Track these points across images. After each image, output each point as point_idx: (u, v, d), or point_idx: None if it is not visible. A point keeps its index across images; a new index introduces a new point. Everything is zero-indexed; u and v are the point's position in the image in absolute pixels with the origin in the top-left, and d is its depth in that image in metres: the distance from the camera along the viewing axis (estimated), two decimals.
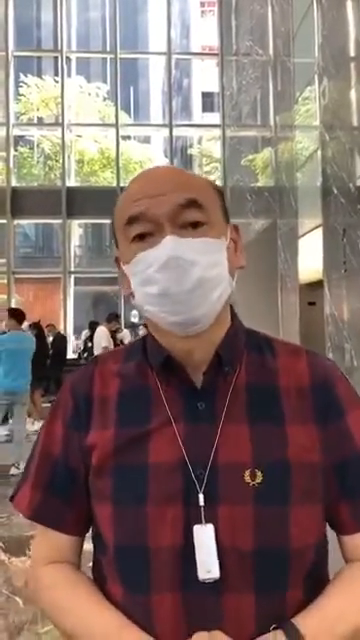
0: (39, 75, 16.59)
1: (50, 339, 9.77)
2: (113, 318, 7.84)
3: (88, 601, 0.77)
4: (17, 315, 5.80)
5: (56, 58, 14.74)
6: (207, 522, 0.72)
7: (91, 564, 0.84)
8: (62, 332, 11.76)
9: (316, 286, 6.21)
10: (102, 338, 7.48)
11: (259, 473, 0.73)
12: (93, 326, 9.21)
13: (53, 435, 0.82)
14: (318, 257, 6.06)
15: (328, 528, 0.80)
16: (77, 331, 13.42)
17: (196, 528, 0.71)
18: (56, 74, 14.97)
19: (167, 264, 0.70)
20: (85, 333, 10.89)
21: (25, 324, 9.33)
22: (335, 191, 5.57)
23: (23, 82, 15.72)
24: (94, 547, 0.82)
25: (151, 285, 0.72)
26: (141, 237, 0.74)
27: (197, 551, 0.71)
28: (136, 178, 0.80)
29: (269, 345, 0.84)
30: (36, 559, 0.85)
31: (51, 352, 9.22)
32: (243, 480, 0.73)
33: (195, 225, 0.74)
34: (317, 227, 6.17)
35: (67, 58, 14.50)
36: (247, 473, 0.73)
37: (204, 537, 0.71)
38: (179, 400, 0.78)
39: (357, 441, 0.78)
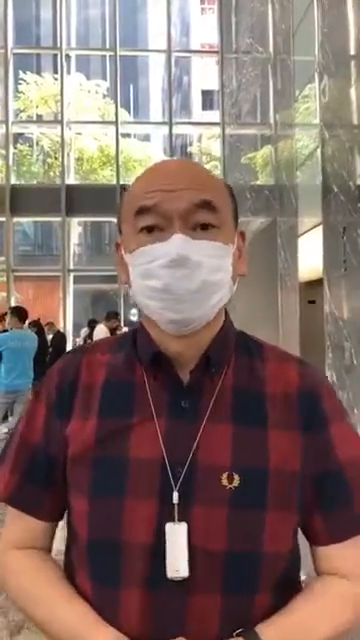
0: (38, 72, 16.56)
1: (49, 337, 9.77)
2: (112, 316, 7.84)
3: (57, 590, 0.77)
4: (19, 313, 5.77)
5: (55, 55, 14.70)
6: (180, 521, 0.72)
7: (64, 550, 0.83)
8: (61, 330, 11.76)
9: (316, 284, 6.21)
10: (101, 336, 7.48)
11: (237, 477, 0.73)
12: (92, 324, 9.21)
13: (35, 420, 0.82)
14: (318, 255, 6.06)
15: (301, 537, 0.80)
16: (76, 329, 13.41)
17: (169, 526, 0.72)
18: (55, 71, 14.93)
19: (173, 262, 0.70)
20: (84, 331, 10.88)
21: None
22: (335, 189, 5.57)
23: (22, 79, 15.69)
24: (67, 534, 0.82)
25: (154, 279, 0.72)
26: (149, 229, 0.73)
27: (168, 549, 0.71)
28: (150, 169, 0.79)
29: (259, 350, 0.84)
30: (5, 543, 0.84)
31: (50, 350, 9.24)
32: (220, 482, 0.73)
33: (205, 226, 0.73)
34: (317, 225, 6.16)
35: (67, 55, 14.46)
36: (225, 476, 0.73)
37: (176, 535, 0.71)
38: (164, 396, 0.77)
39: (338, 454, 0.78)
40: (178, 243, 0.70)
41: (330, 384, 0.84)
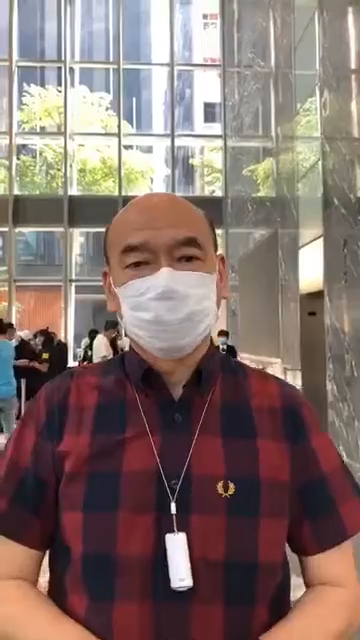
0: (42, 85, 16.72)
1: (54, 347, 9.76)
2: (111, 326, 7.84)
3: (46, 615, 0.75)
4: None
5: (59, 68, 14.85)
6: (179, 531, 0.72)
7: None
8: (62, 340, 11.76)
9: (316, 296, 6.21)
10: (101, 347, 7.47)
11: (232, 485, 0.75)
12: (93, 334, 9.21)
13: (23, 444, 0.81)
14: (319, 267, 6.07)
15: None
16: (77, 339, 13.40)
17: (168, 536, 0.72)
18: (59, 84, 15.08)
19: (162, 294, 0.74)
20: (85, 341, 10.88)
21: (25, 332, 9.44)
22: (336, 202, 5.60)
23: (26, 91, 15.84)
24: (51, 567, 0.80)
25: (143, 311, 0.76)
26: (136, 264, 0.77)
27: (169, 559, 0.71)
28: (135, 204, 0.82)
29: (241, 369, 0.89)
30: None
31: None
32: (216, 491, 0.75)
33: (189, 259, 0.78)
34: (318, 238, 6.19)
35: (70, 68, 14.61)
36: (220, 484, 0.75)
37: (176, 545, 0.72)
38: (156, 411, 0.80)
39: (321, 464, 0.82)
40: (165, 276, 0.74)
41: (306, 399, 0.89)
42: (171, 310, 0.74)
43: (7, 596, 0.78)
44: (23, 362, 7.45)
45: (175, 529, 0.72)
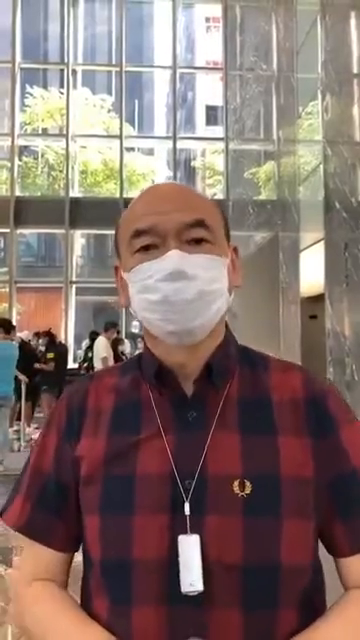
0: (45, 87, 16.74)
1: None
2: (110, 327, 7.88)
3: (71, 616, 0.76)
4: (3, 325, 6.38)
5: (62, 70, 14.88)
6: (193, 532, 0.70)
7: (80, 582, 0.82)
8: (63, 341, 11.75)
9: (317, 300, 6.21)
10: (101, 348, 7.47)
11: (248, 484, 0.72)
12: (93, 336, 9.23)
13: (46, 449, 0.83)
14: (320, 271, 6.07)
15: (325, 554, 0.78)
16: (78, 341, 13.41)
17: (181, 538, 0.70)
18: (62, 86, 15.11)
19: (170, 276, 0.72)
20: (85, 343, 10.88)
21: (25, 333, 9.50)
22: (337, 205, 5.60)
23: (29, 93, 15.86)
24: (84, 566, 0.81)
25: (151, 293, 0.74)
26: (145, 248, 0.76)
27: (181, 562, 0.70)
28: (143, 193, 0.81)
29: (263, 362, 0.84)
30: (22, 576, 0.83)
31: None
32: (232, 490, 0.72)
33: (199, 241, 0.75)
34: (319, 241, 6.19)
35: (73, 70, 14.64)
36: (236, 483, 0.72)
37: (188, 547, 0.70)
38: (170, 410, 0.78)
39: (351, 458, 0.77)
40: (174, 258, 0.72)
41: (335, 388, 0.84)
42: (180, 290, 0.72)
43: (34, 597, 0.79)
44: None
45: (188, 530, 0.71)
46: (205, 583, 0.69)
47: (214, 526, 0.71)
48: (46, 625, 0.76)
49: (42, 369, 7.95)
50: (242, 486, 0.72)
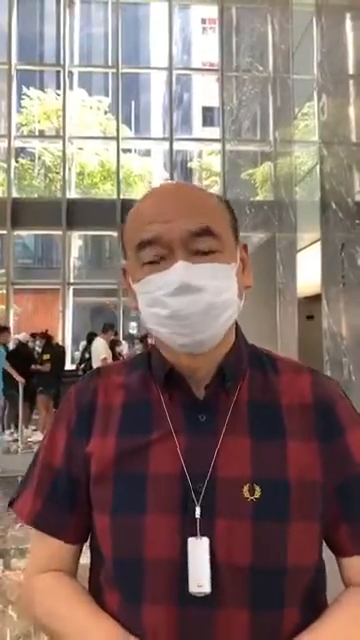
0: (41, 88, 16.74)
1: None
2: (108, 328, 7.87)
3: (85, 609, 0.77)
4: None
5: (58, 72, 14.88)
6: (203, 535, 0.71)
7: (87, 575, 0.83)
8: (60, 343, 11.74)
9: (314, 300, 6.23)
10: (101, 349, 7.48)
11: (258, 488, 0.73)
12: (90, 337, 9.21)
13: (56, 443, 0.83)
14: (316, 271, 6.08)
15: (328, 553, 0.79)
16: (75, 342, 13.40)
17: (190, 540, 0.71)
18: (58, 87, 15.10)
19: (178, 290, 0.71)
20: (83, 344, 10.87)
21: (22, 334, 9.48)
22: (334, 206, 5.62)
23: (25, 95, 15.85)
24: (91, 557, 0.82)
25: (160, 307, 0.73)
26: (152, 259, 0.75)
27: (190, 564, 0.70)
28: (147, 197, 0.79)
29: (272, 363, 0.84)
30: (32, 567, 0.84)
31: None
32: (242, 494, 0.72)
33: (206, 252, 0.74)
34: (316, 241, 6.20)
35: (69, 72, 14.64)
36: (246, 487, 0.73)
37: (198, 550, 0.71)
38: (181, 412, 0.78)
39: (357, 461, 0.78)
40: (180, 271, 0.71)
41: (343, 391, 0.84)
42: (188, 304, 0.71)
43: (49, 589, 0.80)
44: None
45: (198, 533, 0.71)
46: (213, 585, 0.70)
47: (224, 530, 0.72)
48: (60, 617, 0.77)
49: (38, 370, 7.93)
50: (252, 490, 0.73)
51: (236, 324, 0.83)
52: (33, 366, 7.94)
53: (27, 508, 0.82)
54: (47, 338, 8.57)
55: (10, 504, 0.85)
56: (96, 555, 0.80)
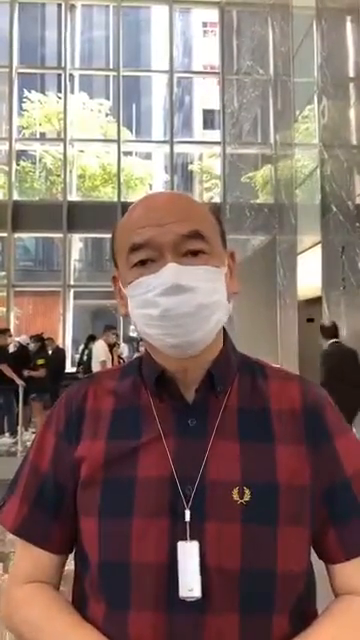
0: (42, 91, 16.78)
1: (49, 352, 9.75)
2: (108, 329, 7.85)
3: (66, 620, 0.76)
4: None
5: (59, 75, 14.92)
6: (192, 539, 0.71)
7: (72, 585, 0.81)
8: (60, 346, 11.74)
9: (315, 303, 6.23)
10: (100, 352, 7.48)
11: (247, 491, 0.73)
12: (89, 340, 9.20)
13: (43, 449, 0.82)
14: (317, 274, 6.09)
15: (317, 561, 0.79)
16: (76, 345, 13.40)
17: (180, 544, 0.71)
18: (59, 90, 15.14)
19: (168, 290, 0.72)
20: (82, 347, 10.88)
21: (23, 337, 9.43)
22: (334, 209, 5.62)
23: (27, 98, 15.89)
24: (75, 567, 0.81)
25: (151, 307, 0.74)
26: (142, 262, 0.76)
27: (180, 568, 0.70)
28: (139, 204, 0.81)
29: (261, 370, 0.85)
30: (14, 577, 0.82)
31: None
32: (231, 498, 0.73)
33: (196, 253, 0.75)
34: (316, 244, 6.21)
35: (70, 75, 14.67)
36: (235, 491, 0.73)
37: (188, 554, 0.70)
38: (170, 416, 0.78)
39: (345, 467, 0.78)
40: (171, 272, 0.72)
41: (331, 399, 0.85)
42: (179, 304, 0.72)
43: (29, 599, 0.79)
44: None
45: (188, 537, 0.71)
46: (203, 589, 0.70)
47: (213, 533, 0.71)
48: (40, 628, 0.76)
49: (31, 376, 7.50)
50: (241, 494, 0.73)
51: (224, 331, 0.84)
52: (26, 372, 7.50)
53: (12, 516, 0.81)
54: (42, 341, 8.24)
55: None
56: (81, 563, 0.79)
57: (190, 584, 0.69)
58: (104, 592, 0.74)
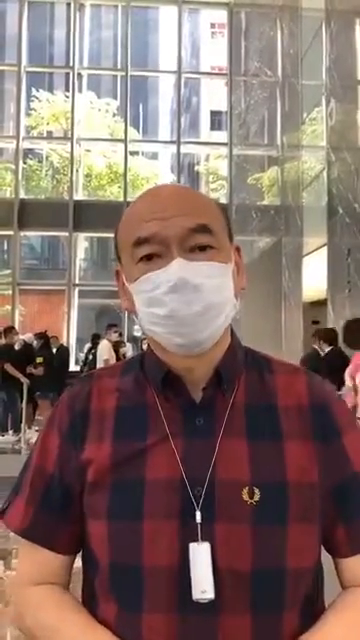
0: (50, 90, 16.82)
1: (53, 351, 9.78)
2: (110, 327, 7.86)
3: (79, 622, 0.75)
4: None
5: (68, 74, 14.96)
6: (204, 540, 0.70)
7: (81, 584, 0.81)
8: (65, 344, 11.76)
9: (320, 305, 6.22)
10: (104, 351, 7.49)
11: (257, 491, 0.72)
12: (95, 339, 9.21)
13: (48, 450, 0.81)
14: (322, 276, 6.08)
15: (324, 554, 0.79)
16: (80, 343, 13.42)
17: (192, 546, 0.70)
18: (67, 89, 15.18)
19: (175, 287, 0.70)
20: (87, 346, 10.89)
21: (28, 335, 9.44)
22: (340, 211, 5.61)
23: (35, 97, 15.94)
24: (84, 567, 0.80)
25: (158, 307, 0.72)
26: (148, 257, 0.73)
27: (192, 570, 0.69)
28: (143, 196, 0.79)
29: (268, 365, 0.84)
30: (22, 579, 0.81)
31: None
32: (241, 498, 0.72)
33: (203, 248, 0.73)
34: (322, 246, 6.20)
35: (78, 74, 14.71)
36: (245, 491, 0.72)
37: (200, 555, 0.70)
38: (177, 416, 0.77)
39: (353, 462, 0.78)
40: (178, 268, 0.70)
41: (338, 394, 0.85)
42: (186, 303, 0.70)
43: (41, 602, 0.78)
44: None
45: (199, 538, 0.70)
46: (215, 590, 0.69)
47: (224, 534, 0.71)
48: (54, 630, 0.75)
49: (32, 373, 7.56)
50: (251, 494, 0.72)
51: (230, 326, 0.82)
52: (28, 369, 7.55)
53: (18, 518, 0.80)
54: (45, 339, 8.21)
55: (1, 514, 0.83)
56: (90, 565, 0.78)
57: (203, 585, 0.69)
58: (115, 594, 0.73)
